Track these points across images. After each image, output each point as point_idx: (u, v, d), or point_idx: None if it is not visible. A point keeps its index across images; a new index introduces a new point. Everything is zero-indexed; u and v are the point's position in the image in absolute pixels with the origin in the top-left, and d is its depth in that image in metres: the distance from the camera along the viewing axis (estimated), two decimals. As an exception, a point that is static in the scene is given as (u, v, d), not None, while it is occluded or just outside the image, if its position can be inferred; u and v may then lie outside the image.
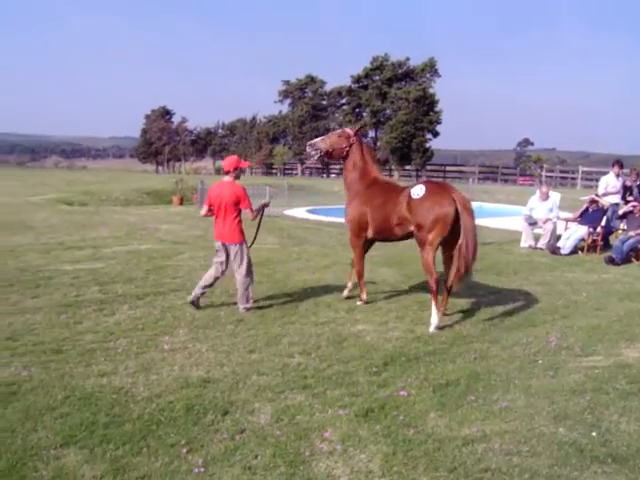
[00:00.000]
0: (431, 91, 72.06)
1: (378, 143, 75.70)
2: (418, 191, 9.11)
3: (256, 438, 5.34)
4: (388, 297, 10.64)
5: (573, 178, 54.16)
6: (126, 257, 13.97)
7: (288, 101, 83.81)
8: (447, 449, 5.22)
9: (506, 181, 62.07)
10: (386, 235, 9.92)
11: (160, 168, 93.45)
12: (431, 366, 7.25)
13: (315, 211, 25.82)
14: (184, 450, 5.09)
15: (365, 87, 76.43)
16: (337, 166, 76.81)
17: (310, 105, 79.68)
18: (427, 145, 72.30)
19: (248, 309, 9.47)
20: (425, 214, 8.89)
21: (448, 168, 73.52)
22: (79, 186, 35.60)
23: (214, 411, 5.86)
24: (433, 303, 8.91)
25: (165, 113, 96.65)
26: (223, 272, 9.68)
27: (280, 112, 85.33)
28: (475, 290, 11.23)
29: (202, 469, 4.79)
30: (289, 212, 24.82)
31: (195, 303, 9.55)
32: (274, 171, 77.21)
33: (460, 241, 8.72)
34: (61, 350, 7.52)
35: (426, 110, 71.49)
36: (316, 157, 10.43)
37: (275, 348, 7.78)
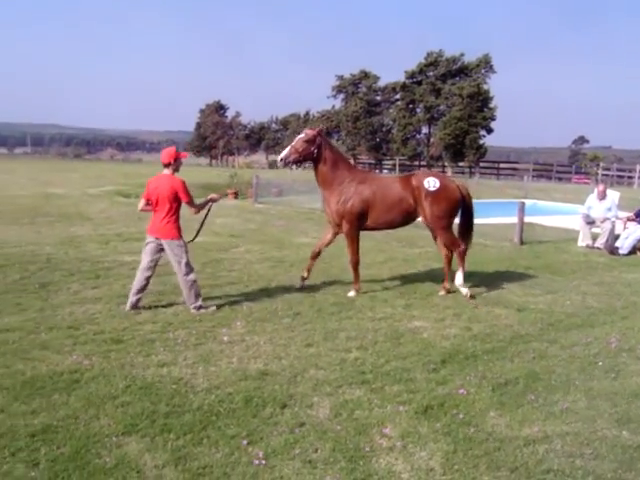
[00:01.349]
0: (485, 87, 71.33)
1: (431, 139, 75.31)
2: (433, 184, 10.26)
3: (315, 432, 5.34)
4: (445, 294, 10.53)
5: (630, 177, 53.23)
6: (183, 249, 14.07)
7: (341, 96, 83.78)
8: (508, 449, 5.17)
9: (560, 179, 61.19)
10: (383, 224, 10.63)
11: (214, 162, 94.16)
12: (489, 364, 7.18)
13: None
14: (244, 442, 5.11)
15: (419, 83, 76.09)
16: (389, 162, 76.74)
17: (364, 100, 79.57)
18: (481, 142, 71.62)
19: (199, 308, 9.01)
20: (444, 203, 10.30)
21: (502, 165, 72.62)
22: (135, 179, 35.97)
23: (273, 404, 5.88)
24: (461, 267, 10.58)
25: (219, 107, 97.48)
26: (154, 268, 9.21)
27: (333, 107, 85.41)
28: (532, 289, 11.10)
29: (263, 461, 4.81)
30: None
31: (135, 307, 9.04)
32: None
33: (460, 220, 10.90)
34: (121, 340, 7.63)
35: (480, 106, 70.89)
36: (291, 166, 10.75)
37: (332, 343, 7.78)
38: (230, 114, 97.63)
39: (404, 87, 77.71)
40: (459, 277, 10.58)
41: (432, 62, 75.31)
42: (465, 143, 70.34)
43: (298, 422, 5.53)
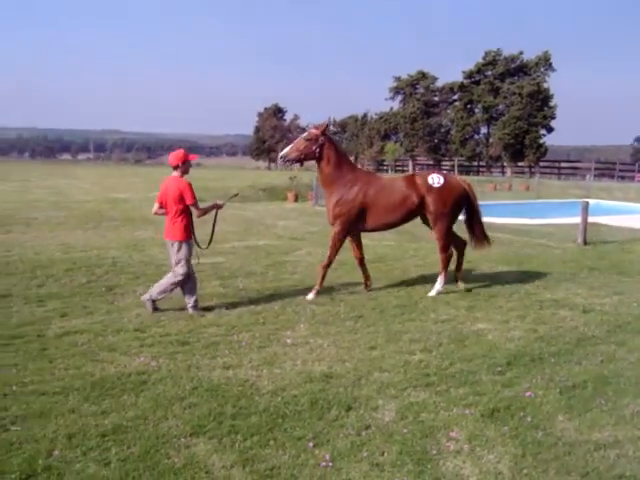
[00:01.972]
0: (545, 85, 70.38)
1: (490, 140, 74.60)
2: (437, 180, 10.34)
3: (382, 435, 5.33)
4: (508, 296, 10.43)
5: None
6: (245, 252, 14.27)
7: (399, 97, 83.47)
8: (578, 453, 5.09)
9: (623, 178, 60.04)
10: (384, 225, 10.56)
11: (272, 165, 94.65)
12: (556, 367, 7.08)
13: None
14: (310, 444, 5.13)
15: (477, 82, 75.53)
16: (448, 163, 76.25)
17: (422, 101, 79.20)
18: (541, 141, 70.69)
19: (149, 302, 9.05)
20: (449, 199, 10.36)
21: (562, 164, 71.50)
22: (195, 182, 36.20)
23: (338, 406, 5.89)
24: (443, 273, 10.68)
25: (277, 111, 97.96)
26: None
27: (391, 109, 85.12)
28: (597, 290, 10.92)
29: (330, 464, 4.82)
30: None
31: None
32: (385, 167, 77.01)
33: (467, 218, 11.00)
34: (187, 342, 7.73)
35: (540, 105, 69.97)
36: (291, 164, 10.61)
37: (396, 345, 7.76)
38: (288, 117, 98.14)
39: (462, 87, 77.20)
40: (439, 284, 10.66)
41: (490, 61, 74.66)
42: (525, 143, 69.53)
43: (364, 425, 5.53)
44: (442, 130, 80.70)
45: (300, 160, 10.32)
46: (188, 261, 9.15)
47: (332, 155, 10.25)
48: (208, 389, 6.25)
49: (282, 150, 10.38)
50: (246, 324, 8.56)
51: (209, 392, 6.18)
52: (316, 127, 10.36)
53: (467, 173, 71.67)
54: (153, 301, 9.10)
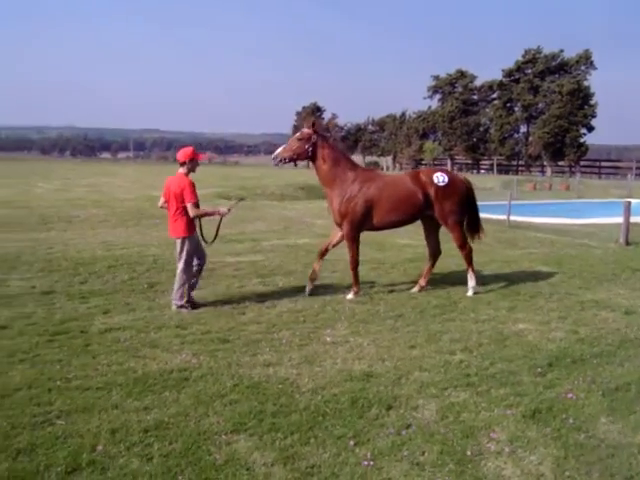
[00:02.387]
0: (585, 84, 69.60)
1: (530, 138, 73.99)
2: (442, 179, 10.29)
3: (422, 434, 5.32)
4: (549, 296, 10.32)
5: None
6: (284, 251, 14.34)
7: (438, 96, 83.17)
8: (622, 456, 5.04)
9: (664, 177, 59.11)
10: (389, 224, 10.45)
11: (311, 164, 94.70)
12: (598, 369, 7.00)
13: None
14: (351, 443, 5.14)
15: (517, 81, 74.92)
16: (487, 162, 75.75)
17: (460, 100, 78.79)
18: (581, 140, 69.91)
19: (179, 307, 9.15)
20: (455, 197, 10.34)
21: (603, 164, 70.61)
22: (234, 181, 36.67)
23: (378, 405, 5.89)
24: (470, 269, 10.65)
25: (316, 109, 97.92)
26: (198, 265, 9.48)
27: (429, 108, 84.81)
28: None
29: (371, 462, 4.82)
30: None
31: (193, 303, 9.40)
32: (424, 167, 76.77)
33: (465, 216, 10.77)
34: (227, 339, 7.79)
35: (580, 104, 69.17)
36: (284, 164, 10.40)
37: (436, 345, 7.74)
38: (327, 116, 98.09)
39: (501, 86, 76.66)
40: (472, 280, 10.63)
41: (530, 59, 74.02)
42: (565, 142, 68.82)
43: (404, 424, 5.52)
44: (480, 129, 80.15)
45: (293, 159, 10.21)
46: (191, 256, 9.26)
47: (327, 153, 10.19)
48: (249, 386, 6.29)
49: (276, 151, 10.26)
50: (286, 322, 8.60)
51: (250, 390, 6.21)
52: (308, 126, 10.30)
53: (506, 172, 71.18)
54: (180, 306, 9.16)
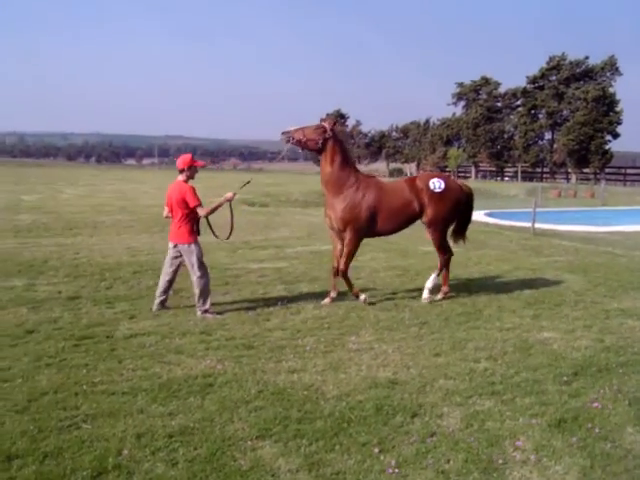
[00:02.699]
0: (611, 90, 69.18)
1: (554, 145, 73.63)
2: (438, 185, 10.31)
3: (447, 442, 5.30)
4: (574, 304, 10.25)
5: None
6: (309, 257, 14.36)
7: (462, 103, 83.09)
8: (649, 466, 4.99)
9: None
10: (389, 230, 10.59)
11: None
12: (624, 378, 6.94)
13: (493, 214, 25.20)
14: (376, 450, 5.12)
15: (541, 88, 74.66)
16: (511, 169, 75.39)
17: (484, 107, 78.62)
18: (606, 147, 69.46)
19: (204, 312, 9.18)
20: (450, 204, 10.43)
21: (628, 171, 70.03)
22: (259, 187, 36.70)
23: (403, 413, 5.87)
24: (440, 272, 10.71)
25: (340, 116, 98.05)
26: (175, 272, 9.56)
27: (454, 114, 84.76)
28: (668, 300, 10.68)
29: (396, 470, 4.81)
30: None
31: (163, 306, 9.53)
32: (448, 174, 76.55)
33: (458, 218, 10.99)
34: (252, 346, 7.80)
35: (606, 110, 68.76)
36: (288, 146, 10.23)
37: (461, 352, 7.71)
38: (351, 123, 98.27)
39: (525, 92, 76.38)
40: (432, 279, 10.59)
41: (555, 66, 73.72)
42: (590, 149, 68.38)
43: (429, 432, 5.50)
44: (505, 136, 79.88)
45: (300, 144, 10.08)
46: (200, 259, 9.33)
47: (336, 153, 10.06)
48: (273, 393, 6.30)
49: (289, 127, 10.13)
50: (311, 329, 8.60)
51: (274, 396, 6.22)
52: (329, 123, 10.24)
53: (530, 179, 70.85)
54: (206, 310, 9.22)
